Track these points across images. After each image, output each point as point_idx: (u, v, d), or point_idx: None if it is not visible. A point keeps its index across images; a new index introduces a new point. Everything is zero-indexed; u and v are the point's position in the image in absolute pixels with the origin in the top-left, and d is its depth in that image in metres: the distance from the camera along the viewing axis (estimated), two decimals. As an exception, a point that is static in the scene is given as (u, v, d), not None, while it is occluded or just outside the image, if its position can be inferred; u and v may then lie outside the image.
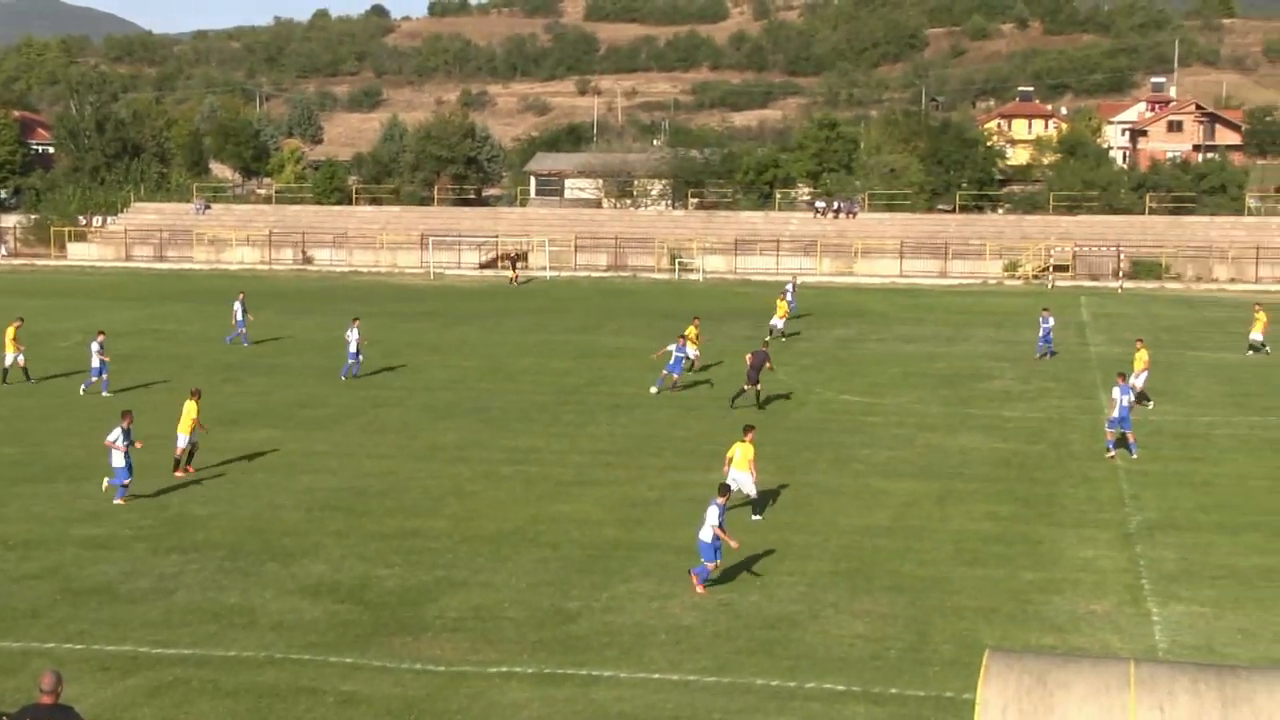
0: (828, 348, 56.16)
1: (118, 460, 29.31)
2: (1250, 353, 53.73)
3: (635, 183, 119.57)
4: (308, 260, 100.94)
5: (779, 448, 35.71)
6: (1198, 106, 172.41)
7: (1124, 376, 35.54)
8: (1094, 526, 28.03)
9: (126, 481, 29.40)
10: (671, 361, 44.32)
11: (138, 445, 29.69)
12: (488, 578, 24.49)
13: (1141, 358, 42.44)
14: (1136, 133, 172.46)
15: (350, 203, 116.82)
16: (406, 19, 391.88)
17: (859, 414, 40.80)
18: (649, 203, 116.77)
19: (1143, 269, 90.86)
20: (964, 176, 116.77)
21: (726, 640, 21.36)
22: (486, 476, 32.36)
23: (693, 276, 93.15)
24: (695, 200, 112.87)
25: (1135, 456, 34.26)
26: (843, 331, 62.01)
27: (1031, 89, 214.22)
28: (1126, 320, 67.04)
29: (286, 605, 22.85)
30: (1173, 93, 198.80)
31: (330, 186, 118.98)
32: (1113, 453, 34.64)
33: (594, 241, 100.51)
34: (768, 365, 41.73)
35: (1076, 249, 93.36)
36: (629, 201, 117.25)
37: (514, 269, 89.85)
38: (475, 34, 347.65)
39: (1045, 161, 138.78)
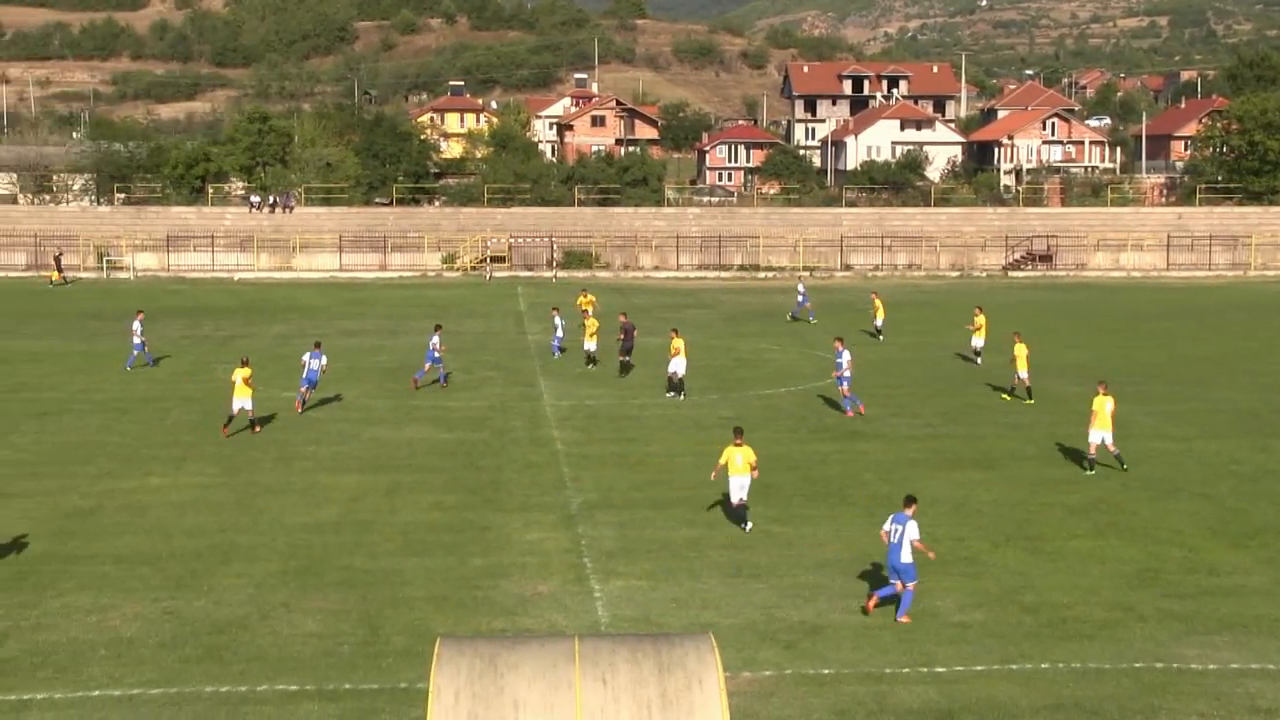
0: (268, 345, 55.14)
1: None
2: (881, 337, 57.29)
3: (55, 177, 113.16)
4: None
5: (221, 448, 34.81)
6: (618, 102, 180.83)
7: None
8: (538, 510, 28.84)
9: None
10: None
11: None
12: (-99, 606, 22.54)
13: (676, 345, 42.17)
14: (563, 127, 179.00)
15: None
16: None
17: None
18: (70, 198, 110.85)
19: (574, 258, 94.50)
20: (400, 170, 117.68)
21: (172, 649, 20.57)
22: (-104, 496, 29.75)
23: (123, 275, 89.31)
24: (122, 196, 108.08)
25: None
26: (282, 328, 61.09)
27: (462, 83, 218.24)
28: (562, 308, 69.26)
29: None
30: (595, 89, 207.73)
31: None
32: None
33: (10, 240, 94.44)
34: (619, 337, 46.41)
35: (512, 240, 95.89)
36: (48, 197, 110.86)
37: (58, 268, 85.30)
38: None
39: (478, 155, 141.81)
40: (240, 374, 36.20)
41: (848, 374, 39.56)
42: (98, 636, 21.10)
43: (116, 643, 20.84)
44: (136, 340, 48.49)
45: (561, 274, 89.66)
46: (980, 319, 49.99)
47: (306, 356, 39.86)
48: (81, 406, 40.78)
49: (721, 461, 27.41)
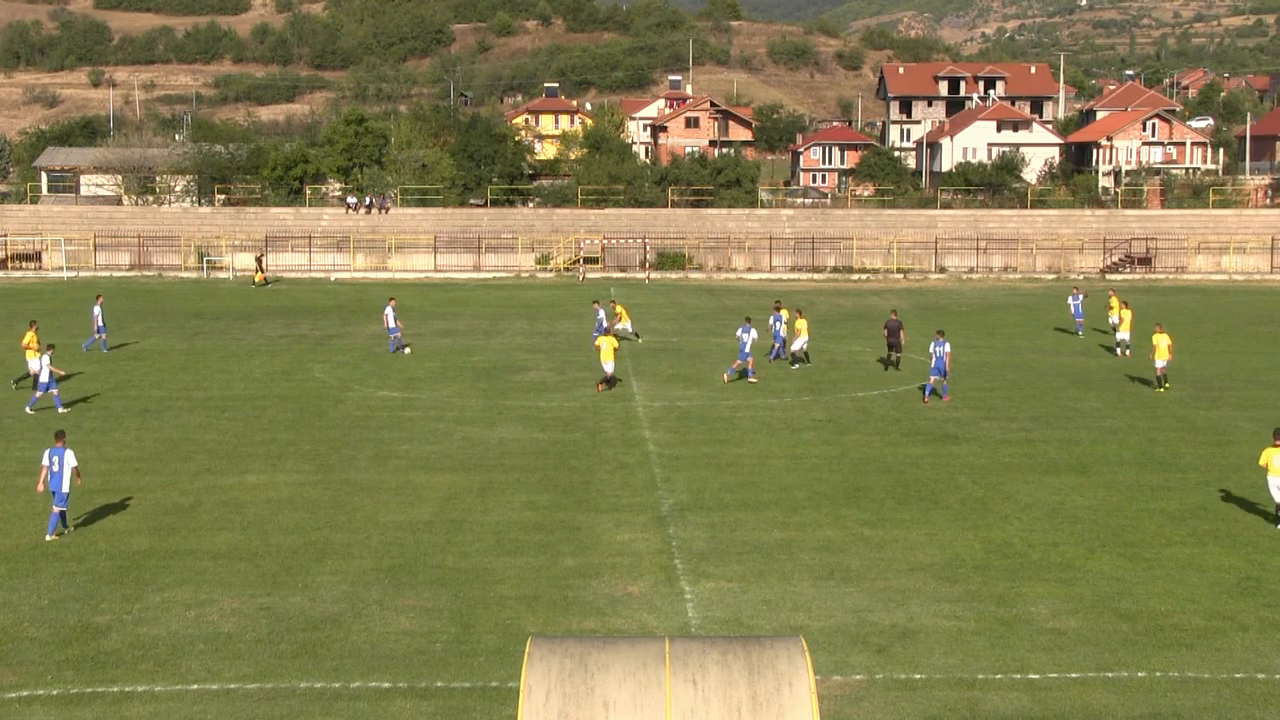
0: (363, 344, 55.71)
1: None
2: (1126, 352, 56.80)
3: (158, 179, 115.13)
4: None
5: (317, 446, 35.21)
6: (712, 104, 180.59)
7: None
8: (629, 510, 28.90)
9: None
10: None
11: None
12: (4, 597, 23.02)
13: (802, 325, 48.91)
14: (657, 128, 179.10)
15: None
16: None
17: (397, 409, 40.68)
18: (173, 199, 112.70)
19: (667, 260, 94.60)
20: (494, 171, 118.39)
21: (268, 645, 20.87)
22: (0, 491, 30.41)
23: (223, 275, 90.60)
24: (222, 197, 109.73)
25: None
26: (378, 328, 61.59)
27: (557, 85, 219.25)
28: (655, 309, 69.53)
29: None
30: (689, 90, 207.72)
31: None
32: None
33: (115, 240, 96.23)
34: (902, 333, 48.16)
35: (605, 241, 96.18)
36: (151, 198, 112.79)
37: (260, 269, 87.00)
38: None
39: (573, 156, 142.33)
40: (608, 343, 43.50)
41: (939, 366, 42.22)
42: (196, 631, 21.45)
43: (214, 637, 21.17)
44: (391, 324, 52.24)
45: (655, 275, 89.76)
46: (1115, 304, 52.77)
47: (739, 331, 45.76)
48: (182, 404, 41.44)
49: (1261, 463, 27.60)
